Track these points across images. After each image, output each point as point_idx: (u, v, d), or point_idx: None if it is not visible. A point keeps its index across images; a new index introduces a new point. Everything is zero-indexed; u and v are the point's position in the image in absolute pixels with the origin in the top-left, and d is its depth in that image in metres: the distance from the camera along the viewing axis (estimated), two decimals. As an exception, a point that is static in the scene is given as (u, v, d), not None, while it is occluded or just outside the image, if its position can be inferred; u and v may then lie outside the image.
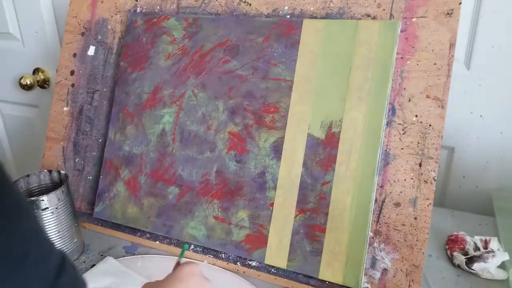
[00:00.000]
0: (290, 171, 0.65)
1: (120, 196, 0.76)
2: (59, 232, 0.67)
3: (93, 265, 0.69)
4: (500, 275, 0.63)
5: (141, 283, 0.64)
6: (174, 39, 0.75)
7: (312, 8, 0.67)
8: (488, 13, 0.75)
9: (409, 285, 0.58)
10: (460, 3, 0.59)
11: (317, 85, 0.64)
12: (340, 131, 0.62)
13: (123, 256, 0.71)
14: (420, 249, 0.58)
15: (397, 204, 0.60)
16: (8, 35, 1.12)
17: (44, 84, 1.13)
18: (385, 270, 0.60)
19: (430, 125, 0.59)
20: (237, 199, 0.68)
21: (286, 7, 0.69)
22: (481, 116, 0.81)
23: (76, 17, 0.87)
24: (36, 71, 1.12)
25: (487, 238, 0.67)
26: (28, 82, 1.09)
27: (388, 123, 0.61)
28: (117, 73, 0.81)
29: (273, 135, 0.66)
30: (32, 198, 0.64)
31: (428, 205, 0.59)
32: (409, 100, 0.61)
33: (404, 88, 0.61)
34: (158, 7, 0.79)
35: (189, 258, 0.70)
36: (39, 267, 0.31)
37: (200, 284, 0.46)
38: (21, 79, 1.09)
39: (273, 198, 0.65)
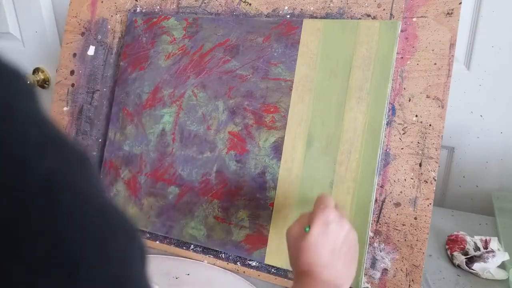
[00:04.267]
0: (290, 171, 0.65)
1: (120, 196, 0.76)
2: (59, 232, 0.67)
3: (93, 265, 0.69)
4: (500, 275, 0.63)
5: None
6: (174, 39, 0.75)
7: (312, 8, 0.67)
8: (488, 13, 0.75)
9: (409, 285, 0.58)
10: (460, 3, 0.59)
11: (317, 85, 0.64)
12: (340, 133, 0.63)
13: (123, 256, 0.71)
14: (420, 249, 0.58)
15: (397, 204, 0.60)
16: (8, 35, 1.12)
17: (44, 84, 1.13)
18: (385, 270, 0.60)
19: (430, 125, 0.59)
20: (237, 199, 0.68)
21: (286, 7, 0.69)
22: (481, 116, 0.81)
23: (76, 17, 0.87)
24: (36, 71, 1.12)
25: (487, 238, 0.67)
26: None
27: (388, 123, 0.61)
28: (117, 73, 0.81)
29: (273, 135, 0.66)
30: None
31: (428, 205, 0.59)
32: (409, 100, 0.61)
33: (404, 88, 0.61)
34: (158, 7, 0.79)
35: (189, 258, 0.70)
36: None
37: (337, 229, 0.47)
38: (21, 79, 1.09)
39: (273, 198, 0.65)
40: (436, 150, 0.59)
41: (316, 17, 0.67)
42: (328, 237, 0.46)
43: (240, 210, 0.67)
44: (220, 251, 0.69)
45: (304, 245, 0.46)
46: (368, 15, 0.64)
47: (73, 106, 0.85)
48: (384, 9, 0.63)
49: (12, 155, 0.19)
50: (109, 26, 0.83)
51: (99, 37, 0.84)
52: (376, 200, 0.61)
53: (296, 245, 0.48)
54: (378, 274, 0.60)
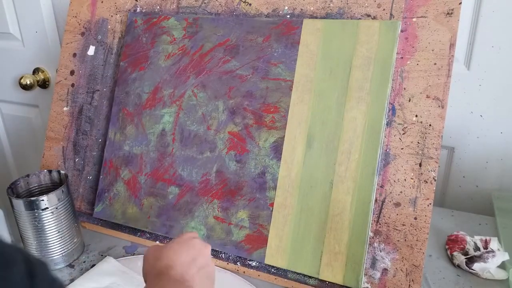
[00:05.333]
0: (290, 171, 0.65)
1: (120, 196, 0.76)
2: (59, 232, 0.67)
3: (93, 265, 0.69)
4: (500, 275, 0.63)
5: (141, 283, 0.64)
6: (174, 39, 0.75)
7: (312, 8, 0.67)
8: (488, 13, 0.75)
9: (409, 285, 0.58)
10: (460, 3, 0.59)
11: (317, 85, 0.64)
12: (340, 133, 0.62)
13: (123, 256, 0.71)
14: (420, 249, 0.58)
15: (397, 204, 0.60)
16: (8, 35, 1.12)
17: (44, 84, 1.13)
18: (385, 270, 0.60)
19: (430, 125, 0.59)
20: (237, 199, 0.68)
21: (286, 7, 0.69)
22: (481, 116, 0.81)
23: (76, 17, 0.87)
24: (36, 71, 1.12)
25: (487, 238, 0.67)
26: (28, 82, 1.09)
27: (388, 123, 0.61)
28: (117, 73, 0.81)
29: (273, 135, 0.66)
30: (32, 198, 0.64)
31: (428, 205, 0.59)
32: (409, 100, 0.61)
33: (404, 88, 0.61)
34: (158, 7, 0.79)
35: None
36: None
37: (201, 244, 0.49)
38: (21, 79, 1.10)
39: (273, 198, 0.65)
40: (436, 150, 0.59)
41: (316, 17, 0.67)
42: (190, 247, 0.47)
43: (240, 210, 0.67)
44: (220, 251, 0.69)
45: (164, 250, 0.47)
46: (368, 15, 0.64)
47: (73, 106, 0.85)
48: (384, 9, 0.63)
49: None
50: (109, 26, 0.83)
51: (99, 37, 0.84)
52: (376, 200, 0.61)
53: (156, 252, 0.47)
54: (378, 274, 0.60)
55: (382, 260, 0.60)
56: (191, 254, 0.47)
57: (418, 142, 0.60)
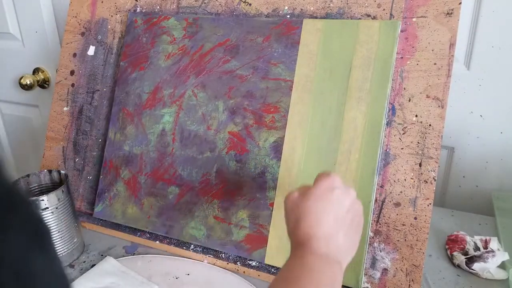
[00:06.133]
0: (290, 171, 0.65)
1: (120, 196, 0.76)
2: (59, 232, 0.67)
3: (93, 265, 0.69)
4: (500, 275, 0.63)
5: (141, 283, 0.64)
6: (174, 39, 0.75)
7: (312, 8, 0.67)
8: (488, 13, 0.75)
9: (409, 285, 0.58)
10: (460, 3, 0.59)
11: (317, 85, 0.64)
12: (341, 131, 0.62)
13: (123, 256, 0.71)
14: (420, 249, 0.58)
15: (397, 204, 0.60)
16: (8, 35, 1.12)
17: (44, 84, 1.13)
18: (385, 270, 0.60)
19: (430, 125, 0.59)
20: (237, 199, 0.68)
21: (286, 7, 0.69)
22: (481, 116, 0.81)
23: (76, 17, 0.87)
24: (36, 71, 1.12)
25: (487, 238, 0.67)
26: (28, 82, 1.09)
27: (388, 123, 0.61)
28: (117, 73, 0.81)
29: (273, 135, 0.66)
30: (32, 198, 0.64)
31: (428, 205, 0.59)
32: (409, 100, 0.61)
33: (404, 88, 0.61)
34: (158, 7, 0.79)
35: (189, 258, 0.70)
36: None
37: (342, 195, 0.43)
38: (21, 79, 1.10)
39: (273, 198, 0.65)
40: (436, 150, 0.59)
41: (316, 17, 0.67)
42: (332, 203, 0.42)
43: (240, 210, 0.67)
44: (220, 251, 0.69)
45: (304, 210, 0.42)
46: (368, 15, 0.64)
47: (73, 106, 0.85)
48: (384, 9, 0.63)
49: None
50: (109, 26, 0.83)
51: (99, 37, 0.84)
52: (376, 200, 0.61)
53: (296, 210, 0.42)
54: (378, 274, 0.60)
55: (382, 260, 0.60)
56: (334, 213, 0.41)
57: (418, 142, 0.60)
